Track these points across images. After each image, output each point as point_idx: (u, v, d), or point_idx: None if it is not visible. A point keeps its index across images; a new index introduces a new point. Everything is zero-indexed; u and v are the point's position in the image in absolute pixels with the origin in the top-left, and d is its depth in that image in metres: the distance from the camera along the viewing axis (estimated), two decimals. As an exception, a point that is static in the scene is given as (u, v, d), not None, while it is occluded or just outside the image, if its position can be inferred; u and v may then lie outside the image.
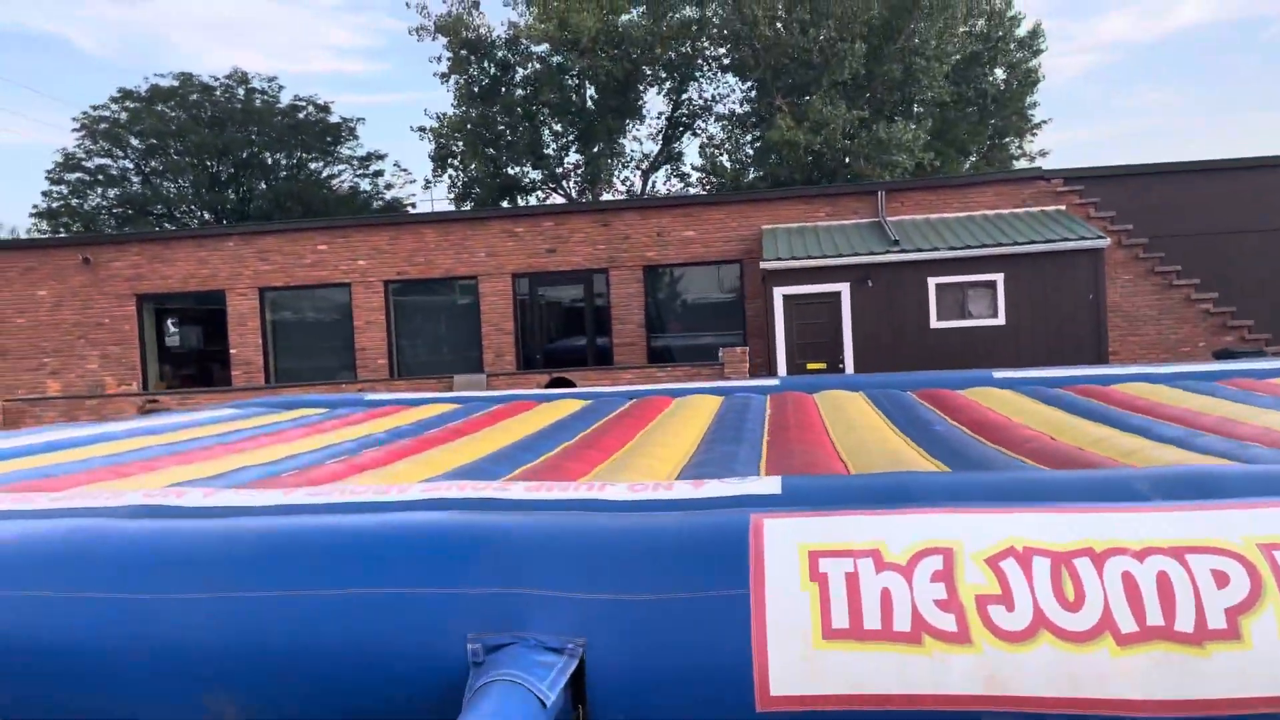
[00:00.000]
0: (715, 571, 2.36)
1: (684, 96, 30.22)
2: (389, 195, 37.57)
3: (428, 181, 37.07)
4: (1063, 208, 14.63)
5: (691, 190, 29.69)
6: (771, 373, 12.87)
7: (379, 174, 37.46)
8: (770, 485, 3.04)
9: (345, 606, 2.54)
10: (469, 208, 29.65)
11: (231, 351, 16.94)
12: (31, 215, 36.00)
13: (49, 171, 35.45)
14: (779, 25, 24.49)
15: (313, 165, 36.72)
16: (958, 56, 26.35)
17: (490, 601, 2.43)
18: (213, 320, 18.03)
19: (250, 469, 4.89)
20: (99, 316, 17.25)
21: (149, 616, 2.61)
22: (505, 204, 28.79)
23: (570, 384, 12.38)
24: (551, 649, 2.32)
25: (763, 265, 12.92)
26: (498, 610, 2.40)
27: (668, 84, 29.53)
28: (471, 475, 4.41)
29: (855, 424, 5.46)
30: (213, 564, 2.70)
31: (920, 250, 12.94)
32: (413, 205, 37.37)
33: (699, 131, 30.79)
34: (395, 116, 59.87)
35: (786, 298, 12.86)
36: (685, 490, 3.05)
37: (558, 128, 29.69)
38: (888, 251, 12.95)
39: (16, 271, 17.48)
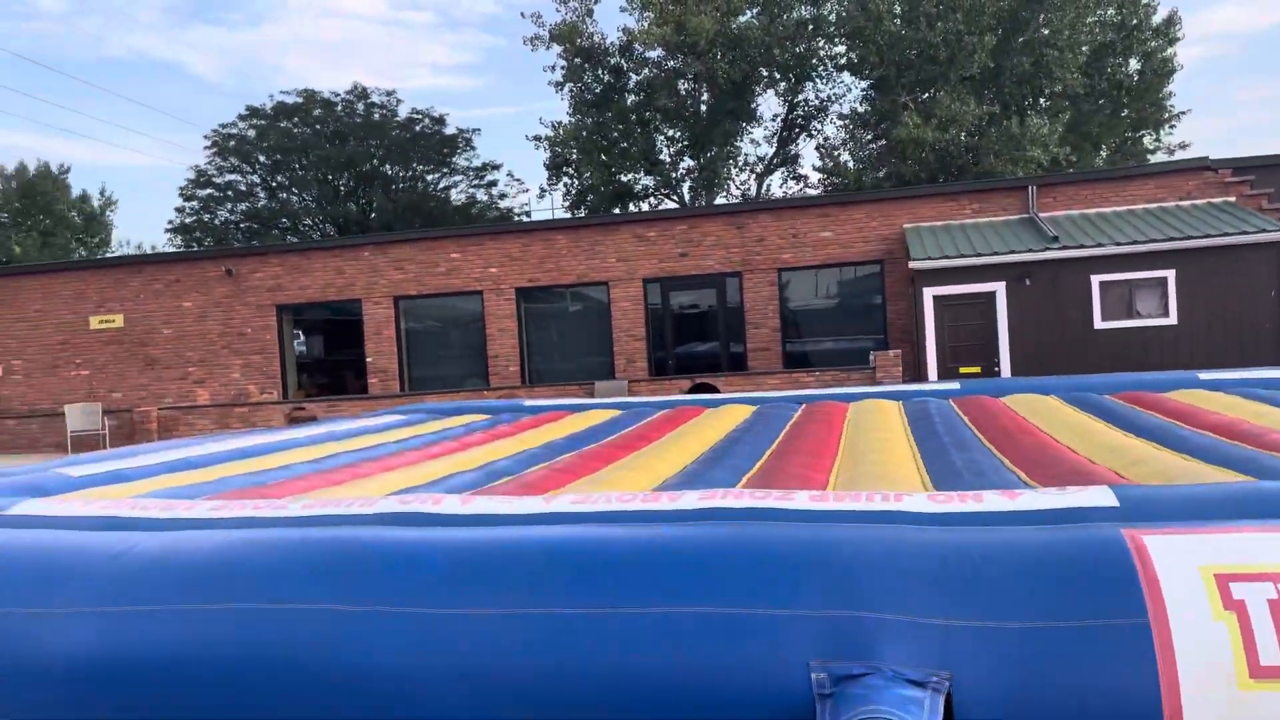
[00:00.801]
0: (1099, 597, 2.06)
1: (799, 98, 29.78)
2: (503, 205, 38.12)
3: (542, 190, 37.51)
4: (1232, 199, 13.70)
5: (810, 192, 29.21)
6: (919, 377, 12.37)
7: (493, 184, 38.03)
8: (1101, 496, 2.72)
9: (667, 626, 2.32)
10: (583, 214, 29.78)
11: (367, 360, 17.25)
12: (167, 231, 37.72)
13: (182, 188, 37.12)
14: (898, 20, 23.86)
15: (429, 177, 37.51)
16: (1087, 47, 25.22)
17: (832, 625, 2.18)
18: (347, 329, 18.41)
19: (460, 475, 4.77)
20: (241, 326, 17.79)
21: (448, 633, 2.44)
22: (617, 210, 28.84)
23: (714, 389, 12.13)
24: (913, 681, 2.05)
25: (912, 265, 12.44)
26: (841, 635, 2.15)
27: (782, 84, 29.12)
28: (698, 483, 4.17)
29: (1080, 429, 5.06)
30: (508, 577, 2.51)
31: (1083, 246, 12.25)
32: (526, 214, 37.82)
33: (815, 132, 30.31)
34: (491, 129, 61.14)
35: (937, 298, 12.34)
36: (997, 501, 2.76)
37: (672, 133, 29.58)
38: (1046, 249, 12.30)
39: (163, 284, 18.18)
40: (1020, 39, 23.91)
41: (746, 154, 30.29)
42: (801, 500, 3.01)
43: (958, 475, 3.88)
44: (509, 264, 16.57)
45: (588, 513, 2.98)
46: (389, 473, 4.93)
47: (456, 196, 37.58)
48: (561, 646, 2.38)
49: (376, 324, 17.22)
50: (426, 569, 2.60)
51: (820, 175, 28.43)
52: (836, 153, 27.26)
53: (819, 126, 30.20)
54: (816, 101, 29.90)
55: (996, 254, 12.35)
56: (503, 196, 38.18)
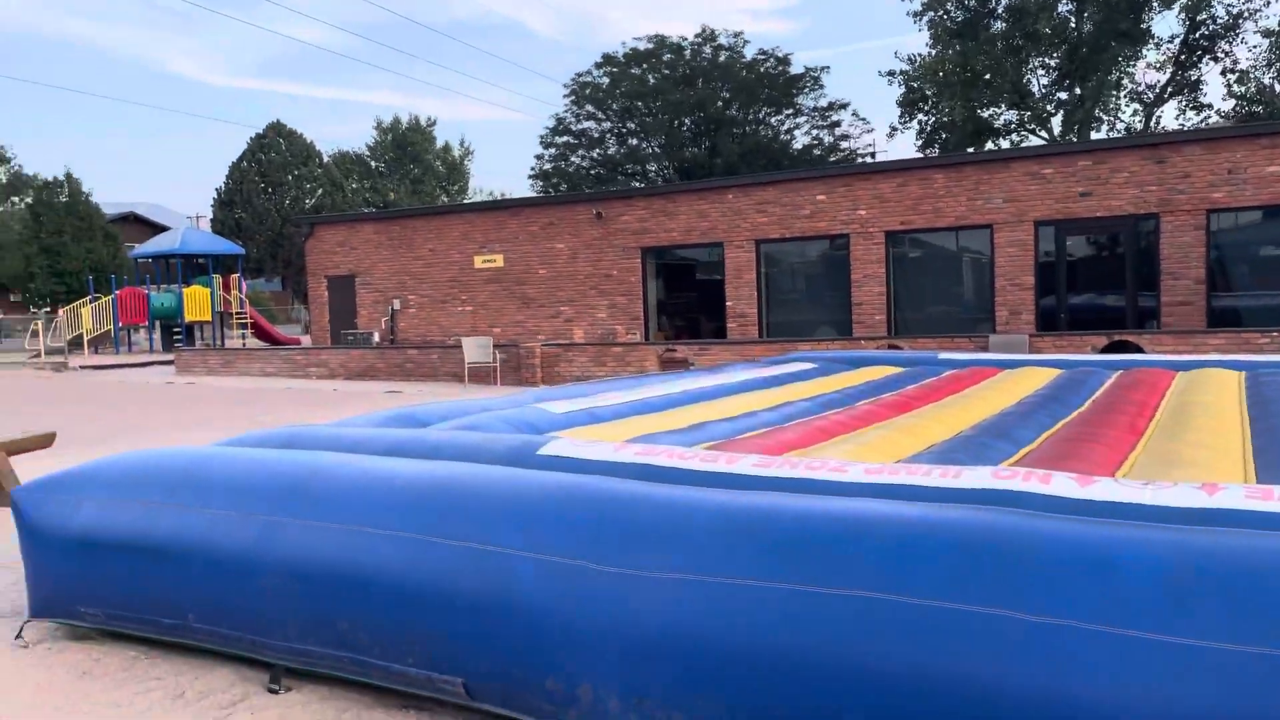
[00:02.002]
0: None
1: (1204, 15, 25.85)
2: (844, 146, 36.86)
3: (892, 128, 35.79)
4: None
5: (1216, 121, 25.39)
6: None
7: (836, 124, 36.84)
8: None
9: None
10: (935, 154, 27.92)
11: (728, 304, 17.17)
12: (530, 177, 40.26)
13: (542, 136, 39.34)
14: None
15: (772, 120, 37.01)
16: None
17: None
18: (702, 272, 18.43)
19: (950, 442, 4.20)
20: (608, 268, 18.37)
21: (1164, 667, 1.86)
22: (971, 149, 26.69)
23: (1137, 349, 10.64)
24: None
25: None
26: None
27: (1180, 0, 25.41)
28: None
29: None
30: (1253, 601, 1.88)
31: None
32: (870, 155, 36.30)
33: (1221, 55, 26.24)
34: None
35: None
36: None
37: (1049, 61, 26.85)
38: None
39: (539, 226, 19.16)
40: None
41: (1137, 82, 26.86)
42: None
43: None
44: (879, 205, 15.68)
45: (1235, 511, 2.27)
46: (871, 428, 4.45)
47: (800, 139, 36.86)
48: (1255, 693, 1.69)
49: (737, 267, 17.05)
50: (1123, 580, 2.01)
51: (1235, 102, 24.54)
52: (1258, 74, 23.34)
53: (1227, 47, 26.13)
54: (1225, 18, 25.86)
55: None
56: (845, 138, 36.92)
